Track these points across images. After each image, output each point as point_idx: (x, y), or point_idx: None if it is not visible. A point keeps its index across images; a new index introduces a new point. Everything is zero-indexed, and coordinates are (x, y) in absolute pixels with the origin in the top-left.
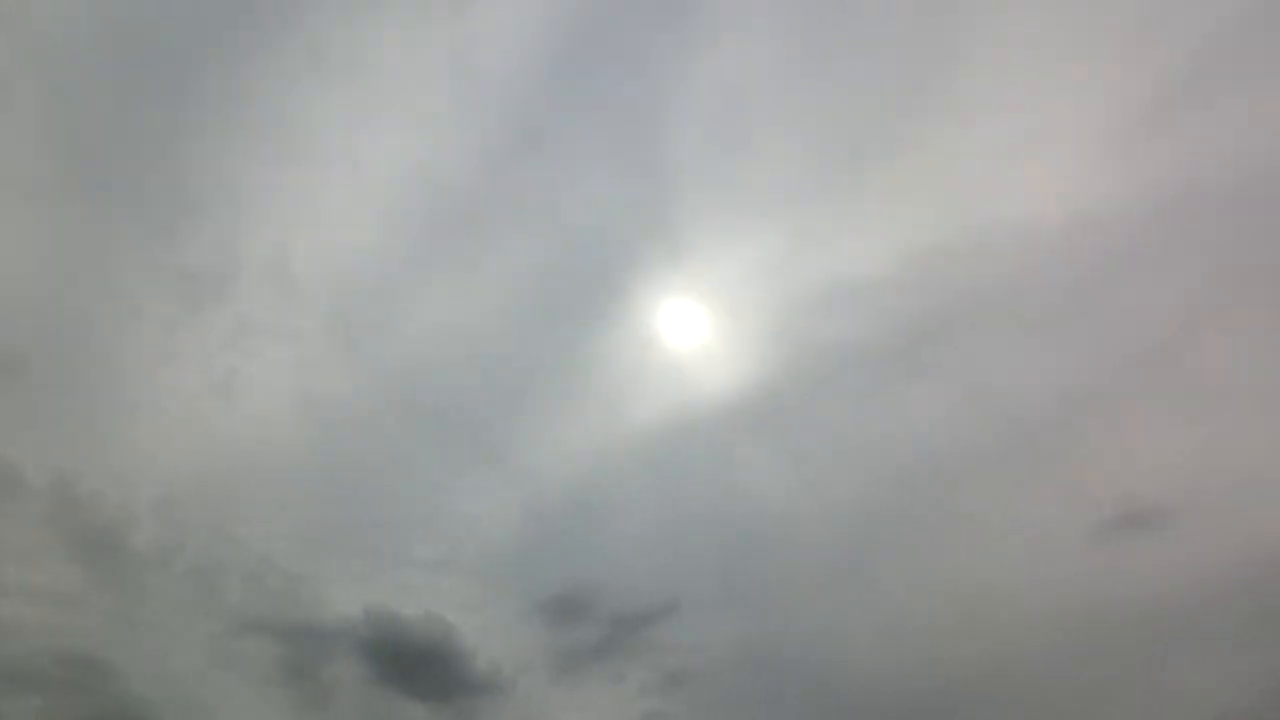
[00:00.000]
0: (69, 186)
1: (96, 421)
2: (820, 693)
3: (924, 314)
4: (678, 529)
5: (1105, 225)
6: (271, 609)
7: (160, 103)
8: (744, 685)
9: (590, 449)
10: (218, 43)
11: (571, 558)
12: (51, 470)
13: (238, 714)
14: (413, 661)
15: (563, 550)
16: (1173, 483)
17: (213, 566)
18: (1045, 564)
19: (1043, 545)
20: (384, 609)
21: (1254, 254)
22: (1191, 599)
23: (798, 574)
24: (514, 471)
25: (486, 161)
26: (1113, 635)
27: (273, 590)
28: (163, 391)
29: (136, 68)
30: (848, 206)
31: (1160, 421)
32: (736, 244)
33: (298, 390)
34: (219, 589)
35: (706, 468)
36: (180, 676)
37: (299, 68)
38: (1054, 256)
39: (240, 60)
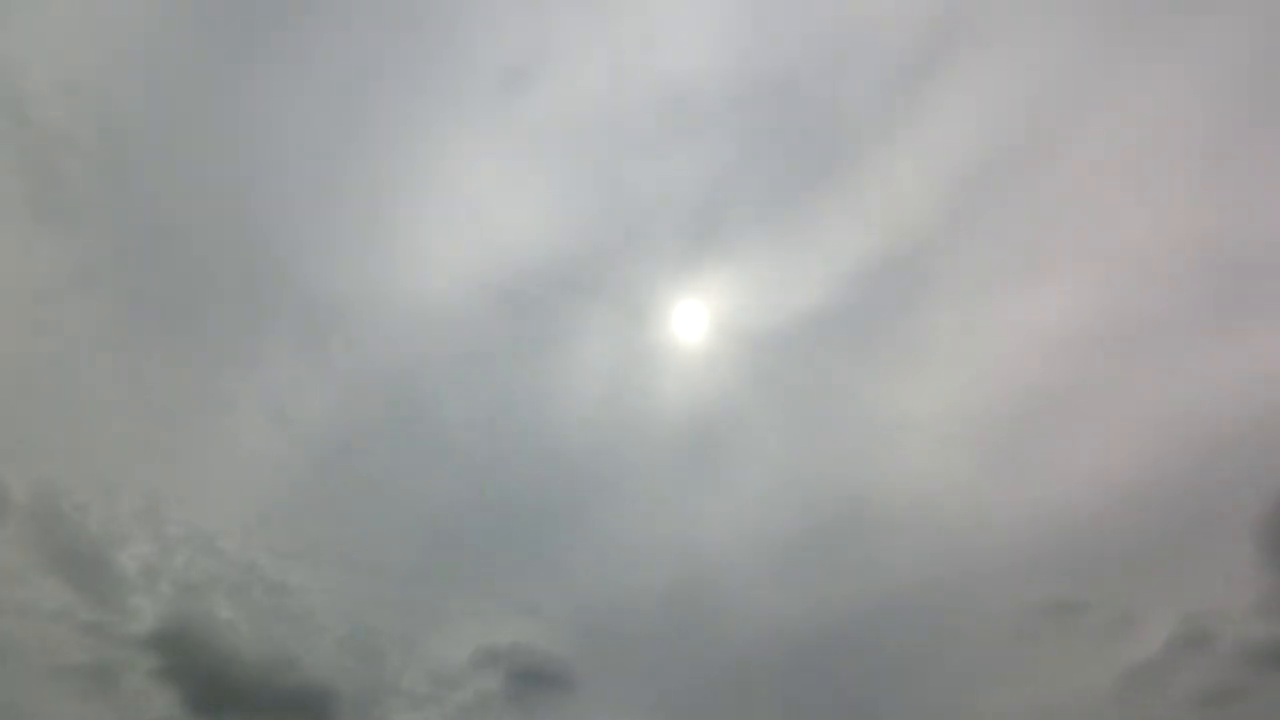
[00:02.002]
0: None
1: None
2: (684, 676)
3: (773, 137)
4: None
5: None
6: None
7: None
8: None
9: (398, 327)
10: None
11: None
12: None
13: None
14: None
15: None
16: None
17: None
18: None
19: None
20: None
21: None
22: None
23: (643, 494)
24: (321, 339)
25: None
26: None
27: None
28: None
29: None
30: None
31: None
32: (552, 68)
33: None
34: None
35: (525, 352)
36: None
37: None
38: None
39: None
